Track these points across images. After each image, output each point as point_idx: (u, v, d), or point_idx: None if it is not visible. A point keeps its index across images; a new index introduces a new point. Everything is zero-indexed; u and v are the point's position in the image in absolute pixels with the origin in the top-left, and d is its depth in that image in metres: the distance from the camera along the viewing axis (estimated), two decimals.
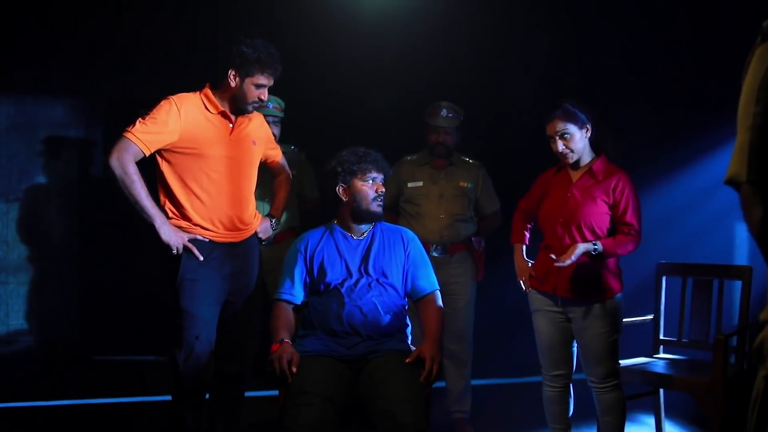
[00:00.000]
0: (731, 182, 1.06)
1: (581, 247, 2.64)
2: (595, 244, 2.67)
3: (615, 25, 4.45)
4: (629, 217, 2.72)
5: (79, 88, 5.00)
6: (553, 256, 2.65)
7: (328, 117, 4.51)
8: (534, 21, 4.59)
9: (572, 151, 2.77)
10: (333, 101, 4.57)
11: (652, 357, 3.25)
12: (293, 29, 4.39)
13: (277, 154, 3.06)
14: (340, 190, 2.62)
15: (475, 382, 3.61)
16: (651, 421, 3.36)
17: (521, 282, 2.95)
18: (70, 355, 4.86)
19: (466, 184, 3.50)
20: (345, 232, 2.66)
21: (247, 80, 2.67)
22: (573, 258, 2.61)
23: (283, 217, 3.33)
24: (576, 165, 2.83)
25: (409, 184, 3.51)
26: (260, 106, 2.87)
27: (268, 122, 3.45)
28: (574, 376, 2.93)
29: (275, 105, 3.60)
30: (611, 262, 2.77)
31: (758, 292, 3.04)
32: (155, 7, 4.63)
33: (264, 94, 2.73)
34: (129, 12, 4.68)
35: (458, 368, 3.50)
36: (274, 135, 3.50)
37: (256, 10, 4.43)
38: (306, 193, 3.76)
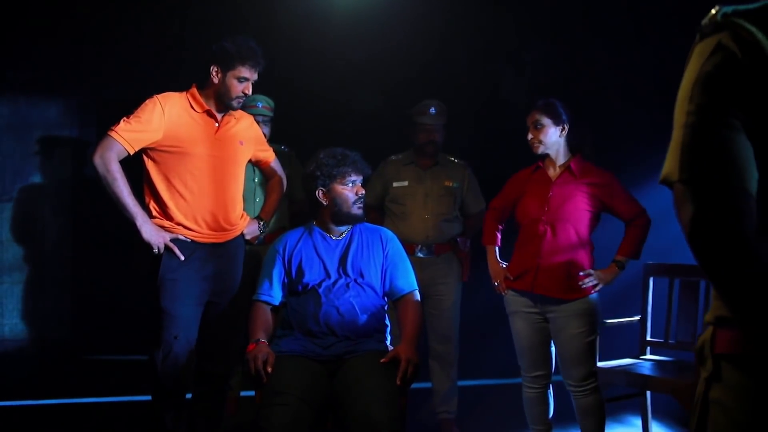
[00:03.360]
0: (664, 181, 1.04)
1: (618, 272, 2.79)
2: (622, 261, 2.80)
3: (606, 27, 4.43)
4: (629, 207, 2.80)
5: (72, 88, 5.02)
6: (591, 272, 2.74)
7: (315, 116, 4.51)
8: (525, 22, 4.57)
9: (540, 142, 2.80)
10: (320, 101, 4.57)
11: (638, 358, 3.23)
12: (283, 29, 4.39)
13: (268, 156, 3.02)
14: (320, 194, 2.59)
15: (461, 382, 3.58)
16: (638, 422, 3.33)
17: (496, 284, 2.95)
18: (64, 354, 4.87)
19: (451, 184, 3.48)
20: (324, 233, 2.65)
21: (229, 74, 2.67)
22: (610, 282, 2.77)
23: (273, 218, 3.30)
24: (545, 156, 2.85)
25: (395, 184, 3.48)
26: (250, 105, 2.85)
27: (257, 122, 3.42)
28: (554, 377, 2.92)
29: (264, 104, 3.54)
30: (586, 261, 2.78)
31: None
32: (149, 8, 4.63)
33: (248, 88, 2.72)
34: (123, 12, 4.69)
35: (444, 369, 3.47)
36: (264, 135, 3.47)
37: (247, 11, 4.43)
38: (295, 193, 3.62)
